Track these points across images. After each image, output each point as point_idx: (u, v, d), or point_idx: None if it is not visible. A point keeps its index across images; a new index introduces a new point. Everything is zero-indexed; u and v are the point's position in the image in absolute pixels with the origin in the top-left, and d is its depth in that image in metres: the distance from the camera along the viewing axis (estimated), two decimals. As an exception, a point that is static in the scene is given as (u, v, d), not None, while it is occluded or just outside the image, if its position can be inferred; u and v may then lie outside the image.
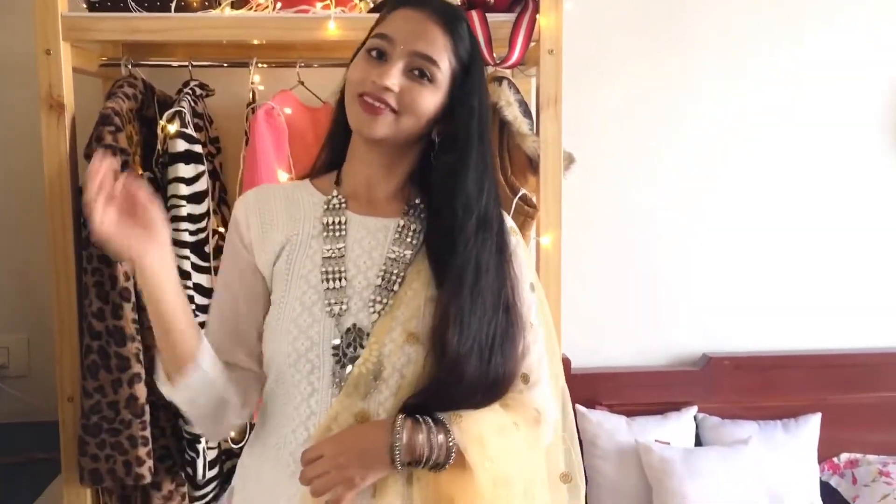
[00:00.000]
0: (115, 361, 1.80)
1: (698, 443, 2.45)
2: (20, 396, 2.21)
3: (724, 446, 2.36)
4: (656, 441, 2.36)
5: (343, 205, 1.32)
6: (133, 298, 1.82)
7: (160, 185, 1.90)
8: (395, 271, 1.27)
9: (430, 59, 1.25)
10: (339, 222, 1.31)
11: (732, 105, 2.53)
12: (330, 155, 1.39)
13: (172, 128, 1.86)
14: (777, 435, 2.42)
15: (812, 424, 2.45)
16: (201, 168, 1.88)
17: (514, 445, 1.24)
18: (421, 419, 1.19)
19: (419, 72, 1.25)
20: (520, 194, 1.93)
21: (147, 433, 1.83)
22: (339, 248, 1.29)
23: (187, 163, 1.86)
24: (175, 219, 1.83)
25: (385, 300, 1.26)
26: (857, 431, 2.52)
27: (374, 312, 1.25)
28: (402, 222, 1.31)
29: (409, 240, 1.30)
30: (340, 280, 1.27)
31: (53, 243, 1.83)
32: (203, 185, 1.89)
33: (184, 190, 1.85)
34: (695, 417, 2.48)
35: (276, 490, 1.27)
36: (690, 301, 2.58)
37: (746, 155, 2.55)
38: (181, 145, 1.86)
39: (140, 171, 1.89)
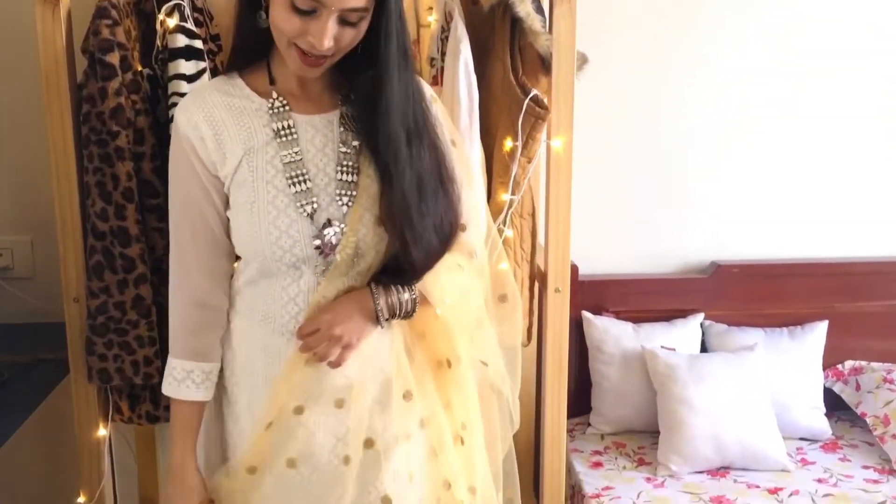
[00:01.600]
0: (119, 262, 1.79)
1: (704, 350, 2.46)
2: (26, 298, 2.20)
3: (730, 352, 2.37)
4: (662, 347, 2.37)
5: (286, 107, 1.42)
6: (136, 199, 1.79)
7: (160, 83, 1.85)
8: (349, 162, 1.41)
9: (359, 9, 1.30)
10: (288, 126, 1.41)
11: (749, 6, 2.44)
12: (248, 53, 1.44)
13: (172, 22, 1.79)
14: (783, 342, 2.43)
15: (818, 332, 2.45)
16: (202, 65, 1.83)
17: (462, 281, 1.50)
18: (390, 283, 1.42)
19: (350, 19, 1.31)
20: (531, 95, 1.88)
21: (154, 333, 1.83)
22: (295, 152, 1.40)
23: (188, 59, 1.80)
24: (177, 117, 1.79)
25: (349, 192, 1.41)
26: (862, 339, 2.53)
27: (342, 205, 1.40)
28: (341, 112, 1.43)
29: (352, 129, 1.42)
30: (305, 182, 1.40)
31: (52, 142, 1.79)
32: (204, 83, 1.83)
33: (185, 87, 1.79)
34: (701, 324, 2.48)
35: (272, 349, 1.43)
36: (700, 208, 2.55)
37: (763, 56, 2.48)
38: (181, 40, 1.80)
39: (139, 68, 1.83)
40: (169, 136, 1.81)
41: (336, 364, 1.40)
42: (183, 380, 1.47)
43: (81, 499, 1.92)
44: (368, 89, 1.37)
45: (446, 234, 1.44)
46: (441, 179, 1.43)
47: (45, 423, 2.06)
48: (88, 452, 1.90)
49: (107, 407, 1.92)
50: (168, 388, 1.48)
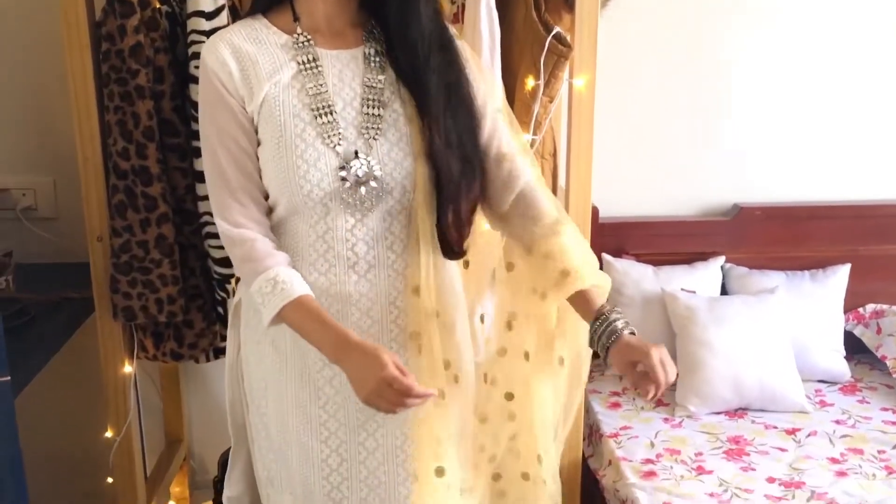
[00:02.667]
0: (142, 201, 1.80)
1: (724, 293, 2.46)
2: (50, 238, 2.22)
3: (750, 295, 2.36)
4: (682, 290, 2.36)
5: (310, 42, 1.42)
6: (157, 137, 1.79)
7: (179, 20, 1.84)
8: (374, 97, 1.42)
9: None
10: (313, 59, 1.42)
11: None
12: None
13: (190, -43, 1.77)
14: (804, 285, 2.41)
15: (840, 275, 2.44)
16: (221, 2, 1.80)
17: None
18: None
19: None
20: (553, 33, 1.85)
21: (177, 272, 1.85)
22: (320, 84, 1.41)
23: (207, -5, 1.78)
24: (195, 56, 1.77)
25: (375, 125, 1.41)
26: (884, 283, 2.51)
27: (368, 138, 1.41)
28: (367, 50, 1.44)
29: (377, 64, 1.43)
30: (331, 114, 1.40)
31: (72, 82, 1.79)
32: (223, 20, 1.81)
33: (204, 25, 1.78)
34: (722, 267, 2.47)
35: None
36: (723, 150, 2.52)
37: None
38: (199, -23, 1.78)
39: (158, 5, 1.81)
40: (188, 76, 1.83)
41: None
42: (261, 303, 1.40)
43: (109, 433, 1.96)
44: (396, 18, 1.39)
45: (475, 155, 1.44)
46: (471, 101, 1.44)
47: (71, 360, 2.10)
48: (114, 389, 1.93)
49: (132, 345, 1.95)
50: (269, 310, 1.39)
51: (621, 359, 1.39)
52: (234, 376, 1.65)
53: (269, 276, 1.39)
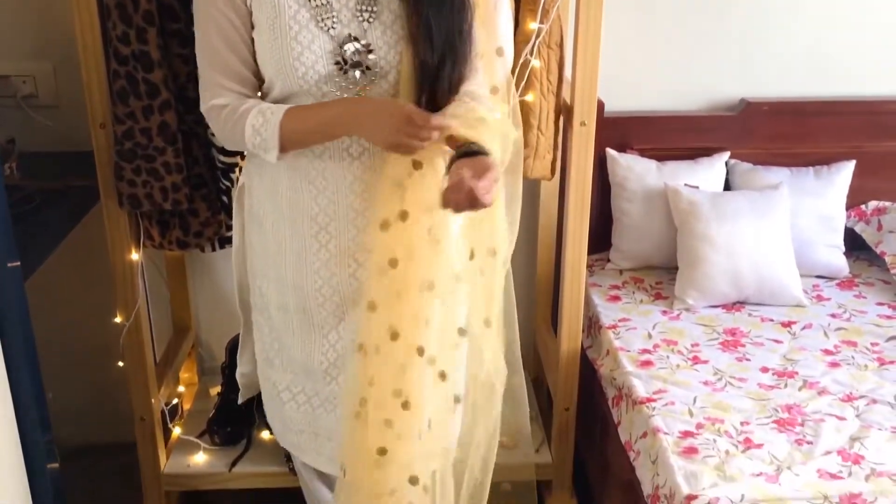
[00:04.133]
0: (143, 87, 1.79)
1: (727, 189, 2.46)
2: (52, 126, 2.21)
3: (754, 191, 2.36)
4: (685, 185, 2.36)
5: None
6: (157, 22, 1.76)
7: None
8: None
9: None
10: None
11: None
12: None
13: None
14: (808, 182, 2.41)
15: (845, 172, 2.43)
16: None
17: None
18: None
19: None
20: (563, -85, 1.79)
21: (181, 160, 1.85)
22: None
23: None
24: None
25: (369, 8, 1.42)
26: (888, 180, 2.50)
27: (363, 21, 1.42)
28: None
29: None
30: None
31: (68, -39, 1.75)
32: None
33: None
34: (726, 163, 2.46)
35: (295, 165, 1.48)
36: (731, 43, 2.46)
37: None
38: None
39: None
40: (184, -41, 1.79)
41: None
42: (259, 142, 1.42)
43: (118, 319, 2.00)
44: None
45: (464, 42, 1.43)
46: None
47: (77, 249, 2.13)
48: (122, 275, 1.96)
49: (138, 233, 1.96)
50: (271, 136, 1.41)
51: (453, 168, 1.36)
52: (240, 260, 1.70)
53: (254, 113, 1.42)
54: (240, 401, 1.93)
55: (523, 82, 1.95)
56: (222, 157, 1.90)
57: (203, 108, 1.50)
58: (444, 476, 1.67)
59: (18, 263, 1.52)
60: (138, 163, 1.82)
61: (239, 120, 1.44)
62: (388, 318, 1.46)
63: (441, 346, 1.52)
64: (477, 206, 1.32)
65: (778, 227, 2.29)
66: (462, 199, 1.30)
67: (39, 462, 1.58)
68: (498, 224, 1.56)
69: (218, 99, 1.46)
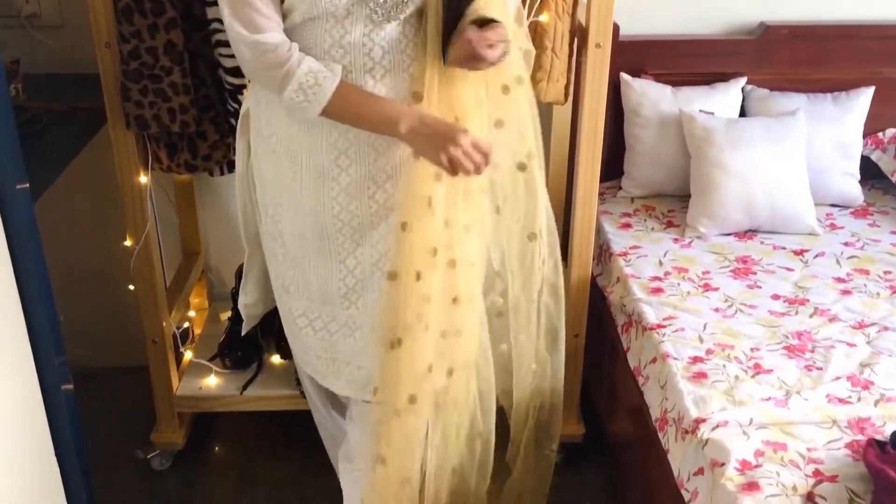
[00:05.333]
0: (148, 5, 1.75)
1: (743, 115, 2.41)
2: (56, 46, 2.17)
3: (770, 118, 2.32)
4: (700, 111, 2.32)
5: None
6: (160, -64, 1.72)
7: None
8: None
9: None
10: None
11: None
12: None
13: None
14: (826, 108, 2.37)
15: (863, 98, 2.38)
16: None
17: None
18: None
19: None
20: None
21: (188, 81, 1.82)
22: None
23: None
24: None
25: None
26: (907, 108, 2.46)
27: None
28: None
29: None
30: None
31: None
32: None
33: None
34: (743, 89, 2.41)
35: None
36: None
37: None
38: None
39: None
40: None
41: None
42: (304, 100, 1.40)
43: (128, 242, 2.00)
44: None
45: None
46: None
47: (86, 170, 2.11)
48: (131, 198, 1.95)
49: (146, 155, 1.95)
50: (318, 101, 1.41)
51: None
52: (244, 186, 1.68)
53: (305, 71, 1.39)
54: (243, 332, 1.93)
55: (538, 2, 1.90)
56: (230, 79, 1.86)
57: (235, 34, 1.40)
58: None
59: (28, 185, 1.51)
60: (145, 83, 1.79)
61: (279, 76, 1.39)
62: (422, 235, 1.48)
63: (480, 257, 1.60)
64: (478, 61, 1.37)
65: (793, 154, 2.26)
66: (461, 53, 1.37)
67: (54, 384, 1.60)
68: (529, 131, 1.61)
69: (263, 35, 1.39)
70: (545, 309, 1.79)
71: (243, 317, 1.88)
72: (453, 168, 1.41)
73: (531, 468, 1.92)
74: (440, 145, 1.40)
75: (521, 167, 1.62)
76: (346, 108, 1.42)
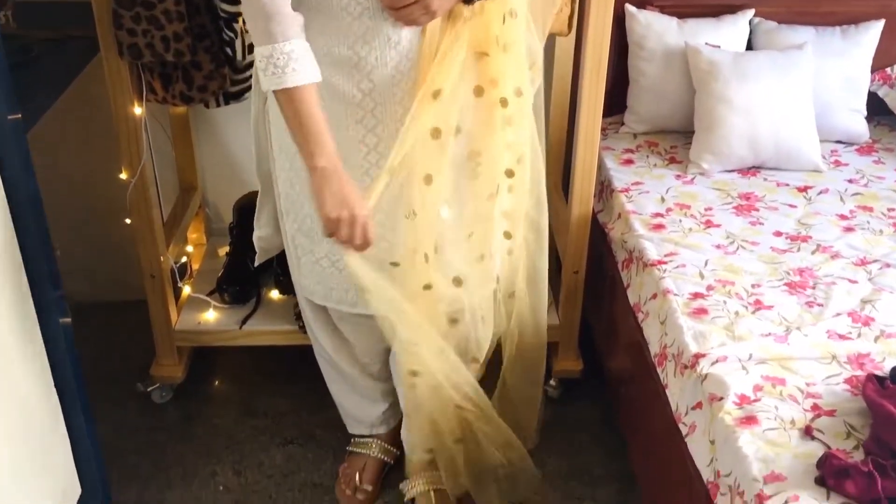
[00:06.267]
0: (139, -72, 1.69)
1: (750, 49, 2.36)
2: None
3: (777, 51, 2.27)
4: (706, 44, 2.27)
5: None
6: None
7: None
8: None
9: None
10: None
11: None
12: None
13: None
14: (834, 42, 2.32)
15: (873, 32, 2.33)
16: None
17: None
18: None
19: None
20: None
21: (182, 8, 1.77)
22: None
23: None
24: None
25: None
26: (916, 39, 2.41)
27: None
28: None
29: None
30: None
31: None
32: None
33: None
34: (750, 22, 2.36)
35: (327, 30, 1.45)
36: None
37: None
38: None
39: None
40: None
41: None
42: (265, 68, 1.37)
43: (123, 175, 1.97)
44: None
45: None
46: None
47: (79, 103, 2.08)
48: (126, 130, 1.91)
49: (140, 86, 1.90)
50: (271, 82, 1.37)
51: None
52: (259, 129, 1.67)
53: (284, 50, 1.35)
54: (256, 263, 1.95)
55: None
56: (225, 6, 1.81)
57: None
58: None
59: (20, 116, 1.48)
60: (137, 10, 1.74)
61: (267, 31, 1.35)
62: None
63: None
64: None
65: (800, 89, 2.21)
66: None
67: (51, 317, 1.59)
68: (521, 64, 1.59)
69: None
70: (525, 244, 1.77)
71: (256, 249, 1.89)
72: (330, 229, 1.44)
73: (516, 402, 1.94)
74: (338, 204, 1.41)
75: (503, 102, 1.58)
76: (291, 108, 1.38)
